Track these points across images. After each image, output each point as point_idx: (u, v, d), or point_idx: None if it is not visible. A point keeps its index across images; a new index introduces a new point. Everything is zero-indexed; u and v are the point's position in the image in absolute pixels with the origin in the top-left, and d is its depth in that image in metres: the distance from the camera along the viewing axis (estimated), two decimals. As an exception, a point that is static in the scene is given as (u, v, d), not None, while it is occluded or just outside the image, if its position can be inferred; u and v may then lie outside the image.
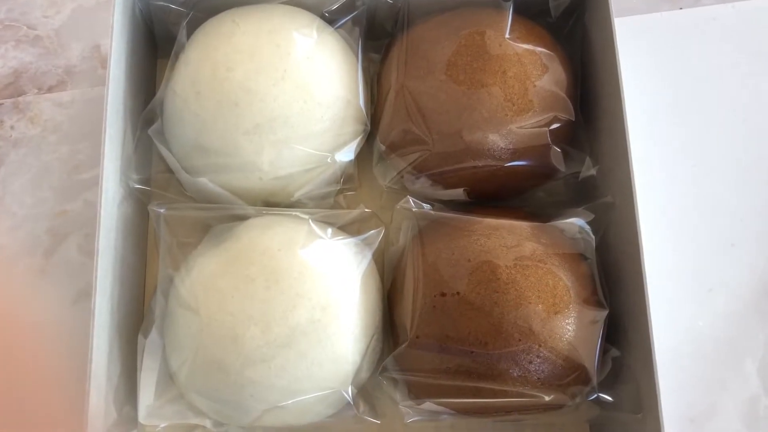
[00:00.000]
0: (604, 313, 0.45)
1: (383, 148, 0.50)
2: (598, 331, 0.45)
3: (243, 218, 0.49)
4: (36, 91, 0.58)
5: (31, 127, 0.57)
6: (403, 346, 0.44)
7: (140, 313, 0.51)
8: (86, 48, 0.59)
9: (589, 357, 0.44)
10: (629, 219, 0.45)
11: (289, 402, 0.44)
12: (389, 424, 0.49)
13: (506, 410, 0.44)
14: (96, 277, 0.43)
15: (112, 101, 0.47)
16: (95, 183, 0.52)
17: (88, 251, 0.52)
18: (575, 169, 0.49)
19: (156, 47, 0.57)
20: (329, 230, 0.48)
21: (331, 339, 0.44)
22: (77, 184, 0.55)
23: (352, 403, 0.45)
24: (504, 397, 0.43)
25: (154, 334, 0.47)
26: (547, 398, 0.43)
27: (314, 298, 0.44)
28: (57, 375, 0.47)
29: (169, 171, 0.51)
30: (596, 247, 0.47)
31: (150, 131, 0.50)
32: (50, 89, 0.58)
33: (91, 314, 0.42)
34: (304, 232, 0.46)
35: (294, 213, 0.48)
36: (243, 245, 0.46)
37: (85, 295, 0.51)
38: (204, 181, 0.48)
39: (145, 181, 0.51)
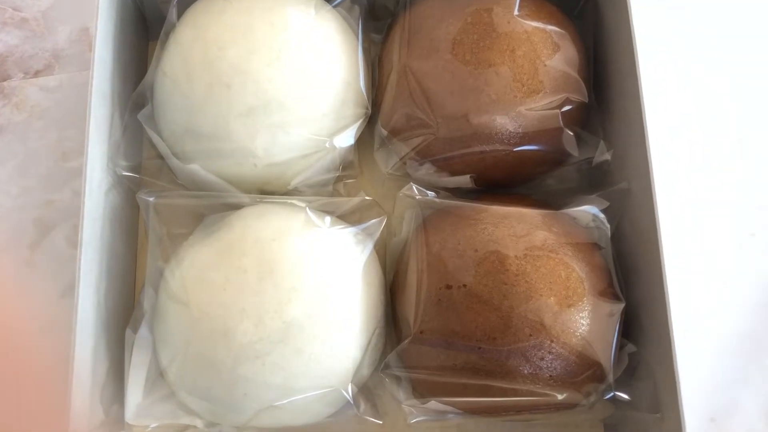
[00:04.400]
0: (621, 306, 0.43)
1: (385, 132, 0.48)
2: (614, 325, 0.43)
3: (237, 207, 0.47)
4: (22, 75, 0.56)
5: (16, 113, 0.55)
6: (407, 341, 0.42)
7: (130, 307, 0.49)
8: (74, 31, 0.57)
9: (605, 353, 0.42)
10: (646, 206, 0.43)
11: (285, 401, 0.42)
12: (392, 424, 0.47)
13: (516, 409, 0.42)
14: (79, 269, 0.41)
15: (97, 84, 0.44)
16: (84, 171, 0.49)
17: (77, 243, 0.49)
18: (588, 154, 0.47)
19: (147, 29, 0.55)
20: (327, 219, 0.46)
21: (329, 334, 0.42)
22: (65, 173, 0.53)
23: (352, 402, 0.43)
24: (514, 396, 0.41)
25: (143, 329, 0.45)
26: (559, 397, 0.41)
27: (311, 290, 0.42)
28: (42, 373, 0.44)
29: (161, 157, 0.49)
30: (611, 236, 0.45)
31: (139, 116, 0.48)
32: (37, 73, 0.56)
33: (74, 308, 0.40)
34: (301, 221, 0.44)
35: (290, 201, 0.46)
36: (235, 235, 0.44)
37: (73, 288, 0.48)
38: (195, 167, 0.46)
39: (135, 169, 0.49)
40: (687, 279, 0.49)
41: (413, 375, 0.43)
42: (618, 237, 0.46)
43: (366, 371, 0.45)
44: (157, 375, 0.45)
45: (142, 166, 0.52)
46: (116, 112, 0.47)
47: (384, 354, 0.46)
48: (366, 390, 0.46)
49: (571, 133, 0.46)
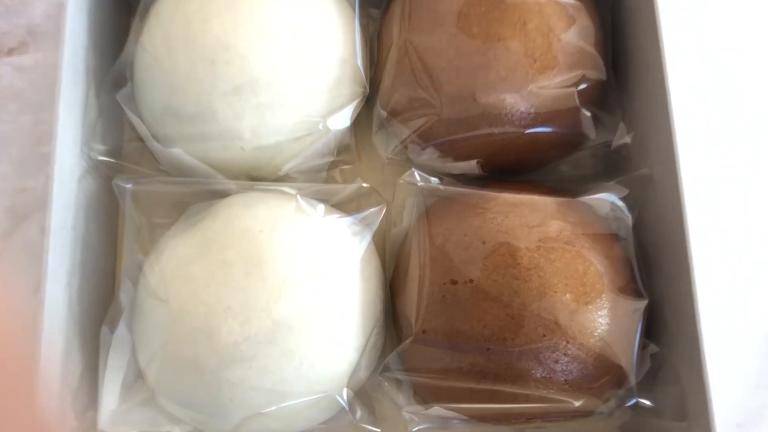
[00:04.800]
0: (643, 303, 0.40)
1: (384, 114, 0.45)
2: (636, 324, 0.40)
3: (223, 195, 0.44)
4: (-6, 54, 0.52)
5: (-13, 94, 0.51)
6: (408, 341, 0.40)
7: (109, 304, 0.45)
8: (51, 5, 0.53)
9: (626, 355, 0.39)
10: (671, 193, 0.40)
11: (275, 407, 0.39)
12: (392, 431, 0.44)
13: (527, 417, 0.40)
14: (47, 262, 0.38)
15: (69, 60, 0.41)
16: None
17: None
18: (606, 136, 0.44)
19: (129, 4, 0.51)
20: (321, 207, 0.42)
21: (322, 334, 0.39)
22: (40, 159, 0.50)
23: (347, 408, 0.40)
24: (525, 402, 0.38)
25: (121, 328, 0.42)
26: (575, 403, 0.38)
27: (302, 286, 0.39)
28: (12, 376, 0.41)
29: (143, 140, 0.45)
30: (632, 226, 0.42)
31: (118, 96, 0.45)
32: (10, 52, 0.52)
33: (41, 305, 0.37)
34: (291, 210, 0.41)
35: (280, 188, 0.43)
36: (220, 225, 0.41)
37: (48, 283, 0.45)
38: (178, 152, 0.43)
39: (114, 153, 0.46)
40: (716, 273, 0.45)
41: (415, 378, 0.41)
42: (639, 227, 0.43)
43: (363, 374, 0.42)
44: (136, 378, 0.42)
45: (122, 150, 0.49)
46: (92, 92, 0.44)
47: (383, 355, 0.43)
48: (363, 394, 0.43)
49: (588, 114, 0.43)
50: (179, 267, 0.40)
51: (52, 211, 0.39)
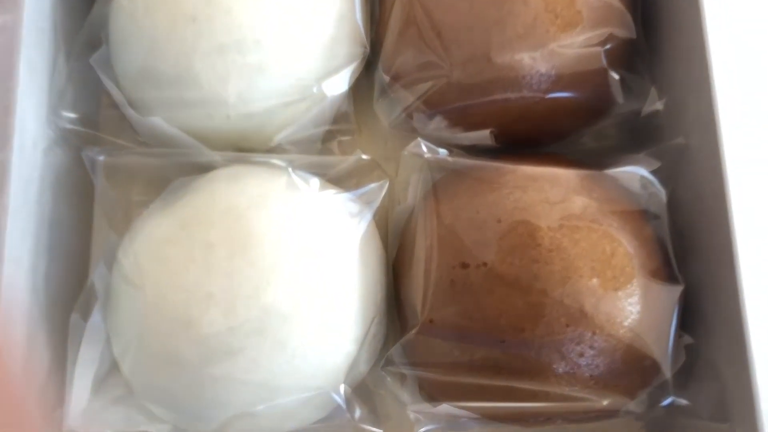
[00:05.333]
0: (679, 289, 0.37)
1: (387, 78, 0.42)
2: (671, 312, 0.37)
3: (208, 169, 0.41)
4: (-43, 15, 0.48)
5: (-50, 60, 0.47)
6: (413, 332, 0.37)
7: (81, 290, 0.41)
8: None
9: (660, 347, 0.36)
10: (711, 166, 0.36)
11: (264, 405, 0.36)
12: (396, 430, 0.41)
13: (547, 417, 0.37)
14: (4, 242, 0.34)
15: (31, 17, 0.37)
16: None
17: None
18: (634, 104, 0.41)
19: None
20: (316, 182, 0.39)
21: (317, 323, 0.36)
22: (4, 131, 0.45)
23: (344, 406, 0.37)
24: (545, 401, 0.36)
25: (95, 317, 0.39)
26: (602, 402, 0.35)
27: (294, 270, 0.36)
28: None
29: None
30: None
31: (92, 60, 0.41)
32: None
33: (-3, 290, 0.33)
34: (282, 185, 0.38)
35: (270, 160, 0.39)
36: (201, 202, 0.37)
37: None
38: (157, 120, 0.40)
39: (88, 122, 0.42)
40: (763, 256, 0.41)
41: (421, 373, 0.38)
42: (672, 205, 0.39)
43: (363, 368, 0.39)
44: (111, 371, 0.39)
45: (98, 119, 0.45)
46: (61, 54, 0.41)
47: (385, 347, 0.41)
48: (363, 391, 0.40)
49: (617, 77, 0.39)
50: (155, 249, 0.37)
51: (11, 186, 0.35)
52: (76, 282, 0.42)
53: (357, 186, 0.41)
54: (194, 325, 0.35)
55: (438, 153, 0.40)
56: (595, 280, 0.35)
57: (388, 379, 0.39)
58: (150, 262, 0.36)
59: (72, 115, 0.40)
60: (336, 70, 0.40)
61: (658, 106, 0.40)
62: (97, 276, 0.39)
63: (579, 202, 0.36)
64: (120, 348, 0.37)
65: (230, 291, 0.35)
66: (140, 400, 0.38)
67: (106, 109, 0.45)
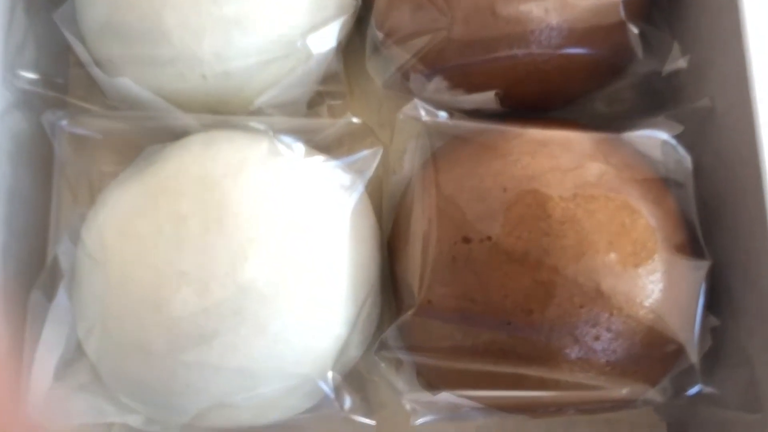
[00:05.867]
0: (705, 266, 0.34)
1: (380, 35, 0.39)
2: (697, 290, 0.34)
3: (183, 135, 0.38)
4: None
5: None
6: (410, 313, 0.35)
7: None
8: None
9: (685, 329, 0.33)
10: (741, 130, 0.33)
11: (243, 395, 0.33)
12: (391, 420, 0.39)
13: (558, 407, 0.34)
14: None
15: None
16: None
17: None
18: (655, 61, 0.38)
19: None
20: (301, 148, 0.37)
21: (302, 304, 0.34)
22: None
23: (332, 395, 0.35)
24: (555, 389, 0.33)
25: (60, 296, 0.36)
26: (620, 390, 0.33)
27: (276, 244, 0.33)
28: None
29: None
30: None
31: (55, 16, 0.38)
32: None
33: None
34: (263, 150, 0.35)
35: (249, 123, 0.36)
36: (172, 170, 0.35)
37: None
38: (125, 81, 0.37)
39: (52, 84, 0.39)
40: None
41: (418, 358, 0.36)
42: (696, 173, 0.37)
43: (354, 352, 0.37)
44: (78, 356, 0.36)
45: (67, 80, 0.42)
46: (19, 7, 0.38)
47: (379, 330, 0.39)
48: (354, 378, 0.38)
49: (637, 31, 0.36)
50: (121, 222, 0.34)
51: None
52: (38, 258, 0.39)
53: (347, 153, 0.38)
54: (164, 306, 0.32)
55: (437, 116, 0.37)
56: (612, 256, 0.32)
57: (382, 365, 0.37)
58: (115, 236, 0.33)
59: (32, 76, 0.38)
60: (323, 24, 0.37)
61: (681, 63, 0.37)
62: (61, 251, 0.36)
63: (594, 169, 0.34)
64: (84, 332, 0.34)
65: (204, 268, 0.32)
66: (108, 388, 0.35)
67: (75, 69, 0.42)
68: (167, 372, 0.32)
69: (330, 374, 0.35)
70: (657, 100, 0.41)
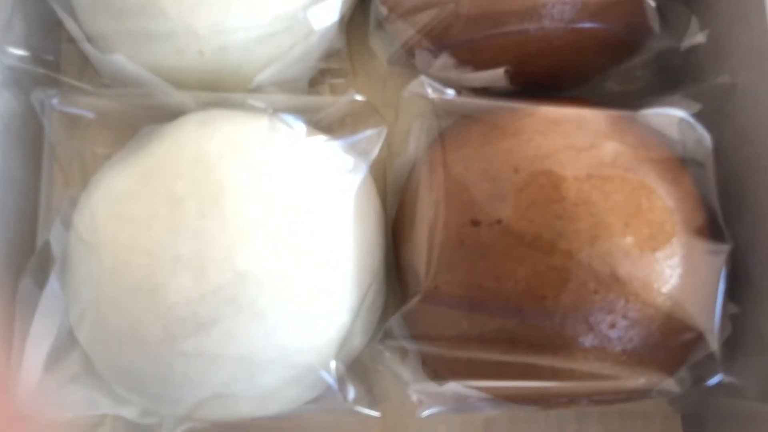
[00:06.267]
0: (726, 249, 0.33)
1: (384, 10, 0.38)
2: (718, 275, 0.32)
3: (180, 114, 0.36)
4: None
5: None
6: (415, 300, 0.34)
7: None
8: None
9: (704, 316, 0.32)
10: (766, 106, 0.32)
11: (242, 385, 0.32)
12: (396, 412, 0.38)
13: (571, 398, 0.33)
14: None
15: None
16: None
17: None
18: (672, 36, 0.36)
19: None
20: (302, 127, 0.35)
21: (303, 290, 0.32)
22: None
23: (335, 386, 0.34)
24: (569, 379, 0.32)
25: (52, 284, 0.34)
26: (637, 380, 0.32)
27: (276, 228, 0.32)
28: None
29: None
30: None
31: None
32: None
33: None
34: (262, 130, 0.34)
35: (248, 101, 0.35)
36: (167, 151, 0.33)
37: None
38: (119, 58, 0.35)
39: (43, 61, 0.38)
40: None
41: (424, 347, 0.35)
42: (715, 152, 0.35)
43: (358, 341, 0.35)
44: (72, 346, 0.34)
45: (60, 57, 0.41)
46: None
47: (384, 318, 0.37)
48: (358, 367, 0.36)
49: (653, 4, 0.35)
50: (113, 205, 0.32)
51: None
52: (28, 244, 0.38)
53: (350, 133, 0.37)
54: (159, 292, 0.31)
55: (444, 93, 0.36)
56: (629, 239, 0.31)
57: (387, 354, 0.36)
58: (107, 220, 0.32)
59: (21, 53, 0.36)
60: (325, -3, 0.36)
61: (700, 38, 0.36)
62: (53, 237, 0.35)
63: (610, 148, 0.32)
64: (75, 319, 0.33)
65: (200, 253, 0.31)
66: (102, 378, 0.34)
67: (66, 46, 0.41)
68: (162, 361, 0.31)
69: (333, 364, 0.33)
70: (672, 77, 0.40)
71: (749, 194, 0.34)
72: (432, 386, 0.34)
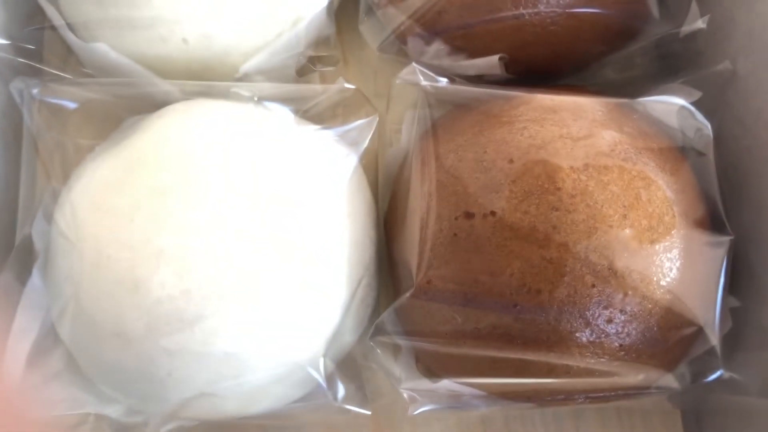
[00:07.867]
0: (727, 241, 0.32)
1: None
2: (719, 268, 0.32)
3: (165, 104, 0.35)
4: None
5: None
6: (408, 295, 0.34)
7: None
8: None
9: (705, 310, 0.31)
10: (766, 95, 0.32)
11: (228, 383, 0.31)
12: (386, 413, 0.37)
13: (567, 395, 0.33)
14: None
15: None
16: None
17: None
18: (671, 23, 0.36)
19: None
20: (290, 116, 0.34)
21: (292, 285, 0.31)
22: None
23: (324, 384, 0.33)
24: (565, 375, 0.32)
25: (35, 279, 0.34)
26: (635, 376, 0.31)
27: (263, 221, 0.31)
28: None
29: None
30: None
31: None
32: None
33: None
34: (249, 119, 0.33)
35: (234, 90, 0.34)
36: (150, 141, 0.32)
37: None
38: (102, 47, 0.35)
39: (23, 50, 0.37)
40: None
41: (417, 343, 0.35)
42: (716, 141, 0.34)
43: (348, 338, 0.35)
44: (54, 342, 0.34)
45: (41, 45, 0.40)
46: None
47: (375, 313, 0.37)
48: (349, 365, 0.36)
49: None
50: (95, 197, 0.32)
51: None
52: (9, 239, 0.37)
53: (341, 123, 0.36)
54: (142, 288, 0.30)
55: (437, 81, 0.35)
56: (627, 231, 0.30)
57: (379, 351, 0.35)
58: (89, 213, 0.31)
59: (1, 41, 0.35)
60: (313, -16, 0.35)
61: (700, 24, 0.35)
62: (35, 231, 0.34)
63: (607, 138, 0.32)
64: (57, 316, 0.32)
65: (184, 246, 0.30)
66: (86, 376, 0.33)
67: (48, 34, 0.40)
68: (146, 359, 0.30)
69: (322, 361, 0.33)
70: (672, 65, 0.39)
71: (751, 184, 0.33)
72: (425, 383, 0.34)
